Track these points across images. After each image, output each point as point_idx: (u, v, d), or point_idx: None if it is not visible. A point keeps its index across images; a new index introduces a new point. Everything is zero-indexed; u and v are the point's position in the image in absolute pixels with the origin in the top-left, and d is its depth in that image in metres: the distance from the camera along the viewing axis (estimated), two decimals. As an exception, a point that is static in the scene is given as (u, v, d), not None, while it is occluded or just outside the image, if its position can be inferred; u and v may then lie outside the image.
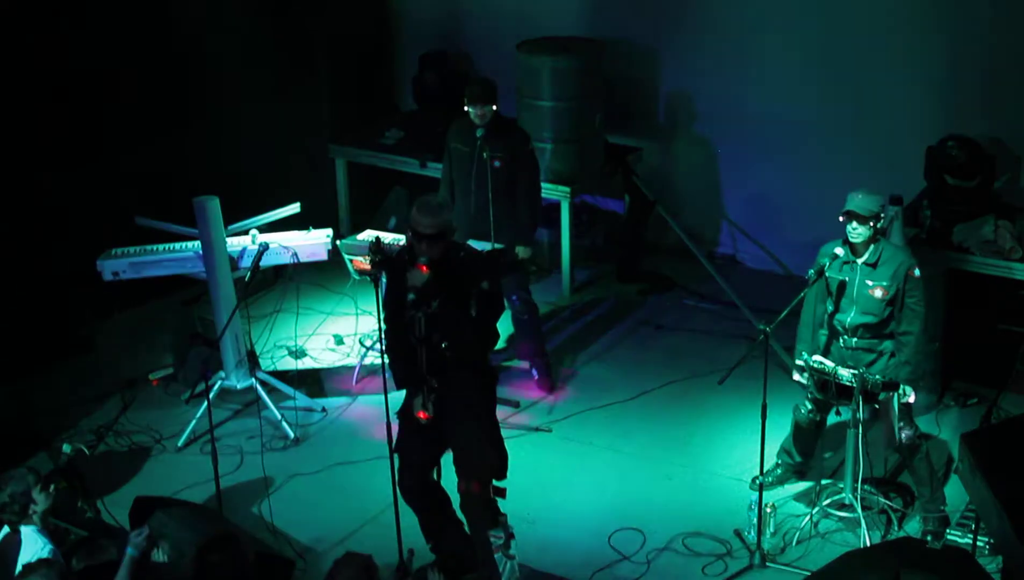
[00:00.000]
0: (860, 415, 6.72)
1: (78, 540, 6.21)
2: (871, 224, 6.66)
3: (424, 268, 5.96)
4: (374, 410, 8.20)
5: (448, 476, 6.49)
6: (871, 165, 9.17)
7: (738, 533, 7.07)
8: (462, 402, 6.21)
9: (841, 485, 7.02)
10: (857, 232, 6.67)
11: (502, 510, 6.39)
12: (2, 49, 8.47)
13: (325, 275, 9.72)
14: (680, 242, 9.73)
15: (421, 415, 6.28)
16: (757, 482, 7.05)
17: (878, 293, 6.72)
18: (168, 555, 5.92)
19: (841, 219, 6.69)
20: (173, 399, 8.51)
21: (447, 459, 6.49)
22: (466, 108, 8.14)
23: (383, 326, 6.71)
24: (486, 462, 6.21)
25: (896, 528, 7.05)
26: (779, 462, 7.40)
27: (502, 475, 6.29)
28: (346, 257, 8.54)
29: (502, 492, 6.31)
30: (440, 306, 6.04)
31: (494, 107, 8.11)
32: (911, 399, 6.78)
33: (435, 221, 6.02)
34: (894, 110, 9.21)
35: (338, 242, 8.54)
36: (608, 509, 7.34)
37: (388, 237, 8.65)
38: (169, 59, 9.31)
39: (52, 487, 5.98)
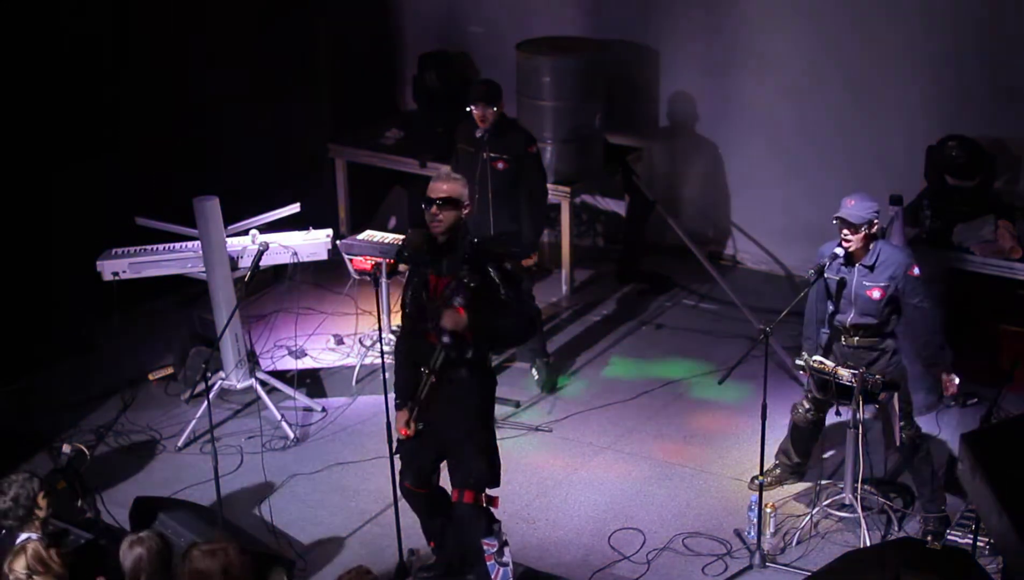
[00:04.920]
0: (860, 415, 6.72)
1: (78, 547, 6.18)
2: (864, 231, 6.64)
3: (462, 310, 5.93)
4: (374, 410, 8.20)
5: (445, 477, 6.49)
6: (871, 165, 9.18)
7: (738, 533, 7.07)
8: (458, 408, 6.17)
9: (841, 485, 7.02)
10: (848, 239, 6.66)
11: (497, 517, 6.37)
12: (2, 49, 8.48)
13: (325, 275, 9.72)
14: (680, 242, 9.73)
15: (403, 432, 6.26)
16: (757, 482, 7.05)
17: (876, 294, 6.71)
18: None
19: (834, 223, 6.69)
20: (173, 399, 8.51)
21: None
22: (468, 108, 8.14)
23: (393, 327, 6.70)
24: (477, 472, 6.18)
25: (896, 528, 7.05)
26: (777, 463, 7.40)
27: (494, 484, 6.26)
28: (346, 257, 8.55)
29: (495, 501, 6.30)
30: (453, 280, 5.99)
31: (495, 108, 8.09)
32: (956, 379, 6.82)
33: (448, 185, 6.04)
34: (894, 110, 9.21)
35: (338, 242, 8.54)
36: (608, 509, 7.34)
37: (389, 237, 8.66)
38: (169, 59, 9.31)
39: (52, 493, 5.95)
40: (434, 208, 6.03)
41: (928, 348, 6.84)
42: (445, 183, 6.08)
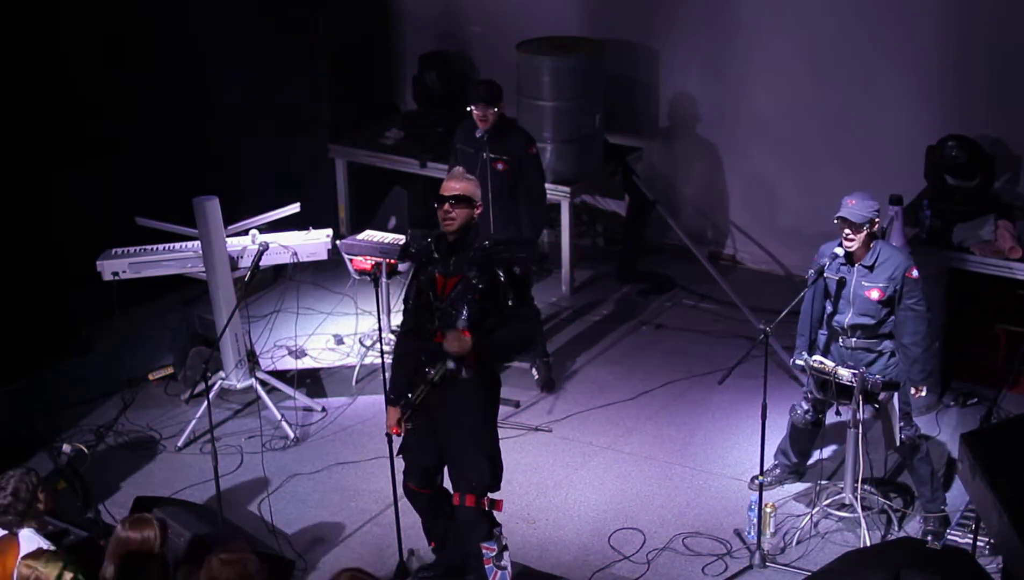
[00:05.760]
0: (860, 415, 6.72)
1: (78, 541, 6.18)
2: (865, 230, 6.64)
3: (467, 333, 5.97)
4: (374, 410, 8.21)
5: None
6: (871, 165, 9.18)
7: (738, 533, 7.07)
8: (461, 410, 6.17)
9: (841, 485, 7.02)
10: (849, 239, 6.66)
11: (498, 520, 6.37)
12: (3, 50, 8.48)
13: (325, 275, 9.72)
14: (680, 242, 9.73)
15: (393, 431, 6.27)
16: (757, 482, 7.05)
17: (874, 294, 6.71)
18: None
19: (835, 223, 6.69)
20: (173, 399, 8.51)
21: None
22: (469, 108, 8.14)
23: (393, 327, 6.49)
24: (479, 475, 6.18)
25: (896, 528, 7.05)
26: (777, 463, 7.41)
27: (495, 488, 6.26)
28: (346, 257, 8.55)
29: (498, 504, 6.30)
30: (464, 287, 6.02)
31: (496, 109, 8.09)
32: (923, 393, 6.82)
33: (461, 184, 6.09)
34: (894, 110, 9.21)
35: (338, 242, 8.54)
36: (608, 509, 7.34)
37: (389, 237, 8.67)
38: (169, 59, 9.31)
39: (53, 493, 5.95)
40: (447, 205, 6.05)
41: (909, 352, 6.81)
42: (458, 182, 6.13)
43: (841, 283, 6.80)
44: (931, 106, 9.02)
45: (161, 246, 8.21)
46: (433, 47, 10.66)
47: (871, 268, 6.72)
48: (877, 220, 6.69)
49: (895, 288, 6.70)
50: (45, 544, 5.71)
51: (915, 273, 6.72)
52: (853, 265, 6.76)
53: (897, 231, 7.73)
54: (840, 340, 6.88)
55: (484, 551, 6.25)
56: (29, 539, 5.68)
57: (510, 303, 6.09)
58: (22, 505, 5.69)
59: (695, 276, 9.73)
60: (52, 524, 6.00)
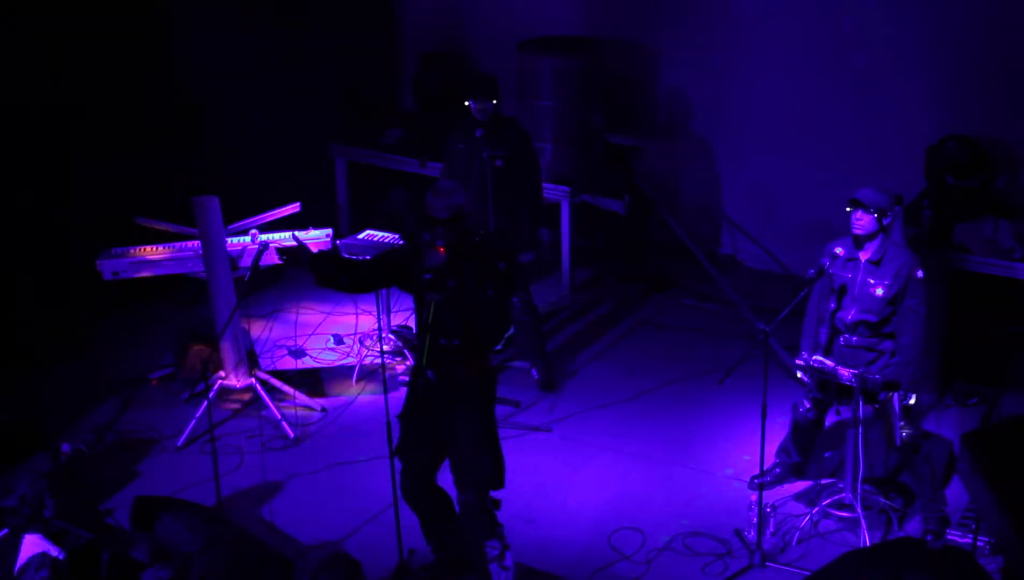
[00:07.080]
0: (860, 415, 6.72)
1: (79, 547, 6.18)
2: (875, 216, 6.66)
3: (442, 249, 5.94)
4: (374, 410, 8.21)
5: (447, 478, 6.48)
6: (871, 165, 9.18)
7: (738, 533, 7.07)
8: (460, 408, 6.18)
9: (841, 485, 7.03)
10: (860, 222, 6.68)
11: (500, 520, 6.36)
12: (4, 50, 8.48)
13: (325, 275, 9.71)
14: (680, 242, 9.73)
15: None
16: (757, 482, 7.05)
17: (879, 291, 6.72)
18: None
19: (848, 209, 6.71)
20: (173, 399, 8.51)
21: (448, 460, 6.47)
22: (467, 103, 8.14)
23: (393, 326, 6.31)
24: (482, 473, 6.18)
25: (896, 528, 7.05)
26: (778, 461, 7.40)
27: (499, 485, 6.27)
28: (346, 257, 8.54)
29: (498, 503, 6.29)
30: (457, 287, 5.98)
31: (495, 102, 8.10)
32: (912, 402, 6.79)
33: (449, 203, 6.00)
34: (894, 110, 9.22)
35: (338, 242, 8.54)
36: (608, 509, 7.34)
37: (389, 237, 8.67)
38: (170, 60, 9.32)
39: (60, 495, 5.96)
40: (440, 229, 5.98)
41: (905, 353, 6.81)
42: (445, 199, 6.00)
43: (845, 280, 6.80)
44: (931, 106, 9.02)
45: (161, 246, 8.21)
46: (433, 47, 10.66)
47: (877, 263, 6.74)
48: (890, 213, 6.71)
49: (899, 286, 6.71)
50: (53, 550, 5.71)
51: (920, 273, 6.73)
52: (859, 260, 6.77)
53: (897, 231, 7.73)
54: (842, 338, 6.88)
55: (488, 550, 6.26)
56: (35, 544, 5.68)
57: (489, 294, 6.04)
58: (28, 509, 5.70)
59: (695, 276, 9.73)
60: (53, 524, 6.00)
